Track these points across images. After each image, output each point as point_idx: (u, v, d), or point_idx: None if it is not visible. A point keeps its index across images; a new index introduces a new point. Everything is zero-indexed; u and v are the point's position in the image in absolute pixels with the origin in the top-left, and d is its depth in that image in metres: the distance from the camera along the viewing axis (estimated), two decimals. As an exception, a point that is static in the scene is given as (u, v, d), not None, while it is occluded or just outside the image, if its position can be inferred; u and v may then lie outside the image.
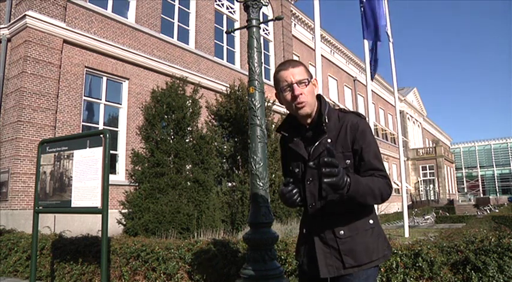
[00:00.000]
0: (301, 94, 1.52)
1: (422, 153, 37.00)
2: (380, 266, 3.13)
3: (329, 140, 1.53)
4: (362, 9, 8.20)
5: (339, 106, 20.43)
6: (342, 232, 1.49)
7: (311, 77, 1.58)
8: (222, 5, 14.81)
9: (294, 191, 1.49)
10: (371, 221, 1.54)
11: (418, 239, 4.17)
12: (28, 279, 4.93)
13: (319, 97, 1.62)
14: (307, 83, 1.54)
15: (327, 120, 1.54)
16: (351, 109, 25.71)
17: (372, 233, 1.52)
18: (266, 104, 8.83)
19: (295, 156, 1.62)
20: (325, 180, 1.26)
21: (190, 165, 7.20)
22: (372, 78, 9.07)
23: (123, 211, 6.91)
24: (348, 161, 1.51)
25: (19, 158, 8.25)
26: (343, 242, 1.49)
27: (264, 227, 2.75)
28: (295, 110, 1.56)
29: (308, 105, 1.54)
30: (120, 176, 10.16)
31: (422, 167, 36.39)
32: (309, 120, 1.59)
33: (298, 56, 20.97)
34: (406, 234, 10.03)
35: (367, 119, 1.68)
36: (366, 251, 1.48)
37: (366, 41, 8.46)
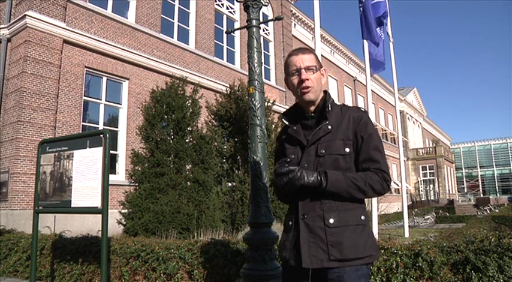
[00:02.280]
0: (307, 79, 1.58)
1: (422, 153, 37.00)
2: (380, 266, 3.14)
3: (329, 127, 1.57)
4: (361, 9, 8.18)
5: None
6: (332, 220, 1.48)
7: (320, 66, 1.65)
8: (222, 5, 14.81)
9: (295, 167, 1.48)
10: (363, 217, 1.53)
11: (418, 239, 4.17)
12: (28, 279, 4.94)
13: (325, 91, 1.67)
14: (314, 70, 1.60)
15: (330, 109, 1.59)
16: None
17: (363, 229, 1.51)
18: (266, 104, 8.82)
19: (293, 142, 1.64)
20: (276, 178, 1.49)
21: (190, 165, 7.19)
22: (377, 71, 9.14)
23: (123, 211, 6.91)
24: (347, 149, 1.55)
25: (19, 158, 8.25)
26: (332, 233, 1.46)
27: (264, 227, 2.75)
28: (300, 95, 1.61)
29: (313, 91, 1.59)
30: (120, 176, 10.16)
31: (422, 167, 36.38)
32: (312, 108, 1.63)
33: (298, 56, 20.92)
34: (406, 234, 10.04)
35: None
36: (353, 246, 1.45)
37: (365, 41, 8.46)
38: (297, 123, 1.66)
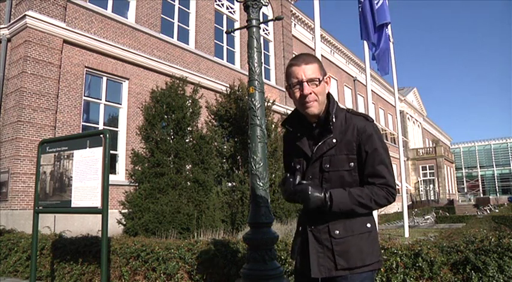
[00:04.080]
0: (310, 93, 1.48)
1: (422, 153, 37.01)
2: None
3: (334, 140, 1.51)
4: (360, 9, 8.16)
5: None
6: (337, 232, 1.47)
7: (324, 74, 1.54)
8: (222, 5, 14.81)
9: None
10: (368, 225, 1.51)
11: (418, 239, 4.18)
12: (28, 279, 4.93)
13: (328, 95, 1.57)
14: (318, 83, 1.49)
15: (334, 120, 1.51)
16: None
17: (368, 237, 1.50)
18: (266, 104, 8.83)
19: (299, 152, 1.59)
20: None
21: (190, 165, 7.20)
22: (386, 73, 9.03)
23: (123, 211, 6.91)
24: (352, 164, 1.50)
25: (19, 158, 8.25)
26: (338, 243, 1.47)
27: (264, 227, 2.75)
28: (302, 109, 1.53)
29: (316, 105, 1.51)
30: (120, 176, 10.16)
31: (422, 167, 36.38)
32: (315, 119, 1.56)
33: (298, 56, 20.91)
34: (406, 234, 10.04)
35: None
36: (360, 254, 1.45)
37: (365, 42, 8.44)
38: (301, 131, 1.60)
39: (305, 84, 1.48)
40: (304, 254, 1.54)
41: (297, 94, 1.51)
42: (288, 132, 1.70)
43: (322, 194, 1.44)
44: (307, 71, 1.49)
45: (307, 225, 1.54)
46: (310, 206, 1.44)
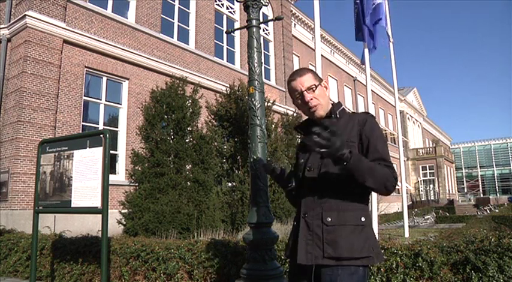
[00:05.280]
0: (311, 99, 1.66)
1: (422, 153, 37.00)
2: (380, 266, 3.13)
3: None
4: (356, 10, 8.14)
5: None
6: (329, 219, 1.51)
7: (320, 81, 1.71)
8: (222, 5, 14.81)
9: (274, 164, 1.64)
10: (363, 219, 1.53)
11: (418, 239, 4.18)
12: (28, 279, 4.93)
13: (333, 102, 1.76)
14: (315, 88, 1.67)
15: (338, 115, 1.67)
16: (351, 109, 25.68)
17: (361, 231, 1.51)
18: (266, 104, 8.82)
19: (304, 149, 1.73)
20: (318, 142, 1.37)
21: (190, 165, 7.20)
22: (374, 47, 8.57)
23: (123, 211, 6.91)
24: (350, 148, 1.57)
25: (19, 158, 8.25)
26: (329, 231, 1.49)
27: (264, 227, 2.75)
28: (310, 114, 1.70)
29: (320, 107, 1.67)
30: (120, 176, 10.16)
31: (422, 167, 36.37)
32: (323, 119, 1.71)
33: (298, 56, 20.95)
34: (406, 234, 10.04)
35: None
36: (349, 245, 1.46)
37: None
38: (310, 133, 1.70)
39: (305, 93, 1.66)
40: (295, 244, 1.58)
41: (301, 103, 1.70)
42: (299, 146, 1.84)
43: (346, 149, 1.42)
44: (303, 82, 1.68)
45: (301, 214, 1.59)
46: (337, 147, 1.37)
